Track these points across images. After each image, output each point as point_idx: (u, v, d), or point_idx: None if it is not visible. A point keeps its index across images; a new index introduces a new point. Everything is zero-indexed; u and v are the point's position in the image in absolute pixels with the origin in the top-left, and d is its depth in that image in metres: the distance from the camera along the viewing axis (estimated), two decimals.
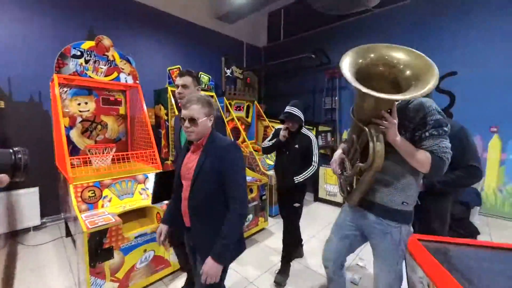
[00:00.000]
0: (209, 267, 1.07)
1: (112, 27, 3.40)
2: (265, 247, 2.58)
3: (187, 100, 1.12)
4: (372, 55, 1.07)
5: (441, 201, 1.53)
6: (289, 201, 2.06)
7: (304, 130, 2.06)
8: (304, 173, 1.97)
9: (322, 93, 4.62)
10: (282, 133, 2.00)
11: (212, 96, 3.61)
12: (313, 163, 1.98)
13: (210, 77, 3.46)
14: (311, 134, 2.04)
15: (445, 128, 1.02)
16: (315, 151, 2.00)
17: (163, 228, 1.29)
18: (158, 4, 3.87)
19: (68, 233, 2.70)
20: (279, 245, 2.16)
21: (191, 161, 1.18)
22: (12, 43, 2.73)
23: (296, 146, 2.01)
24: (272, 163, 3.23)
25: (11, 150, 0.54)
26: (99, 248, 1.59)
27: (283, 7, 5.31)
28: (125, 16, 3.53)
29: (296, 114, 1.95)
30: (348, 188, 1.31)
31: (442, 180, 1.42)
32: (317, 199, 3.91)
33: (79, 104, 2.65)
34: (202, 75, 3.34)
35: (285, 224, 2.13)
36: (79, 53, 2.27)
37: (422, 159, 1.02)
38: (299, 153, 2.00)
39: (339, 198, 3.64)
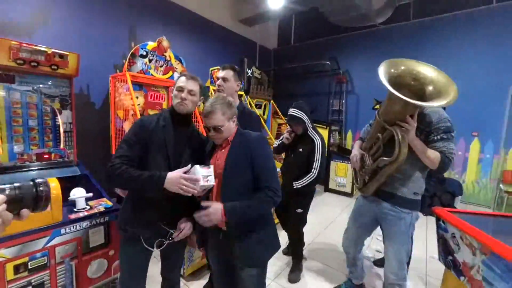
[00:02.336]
0: (214, 211, 1.02)
1: (148, 28, 3.58)
2: None
3: (207, 110, 1.09)
4: (402, 67, 1.27)
5: None
6: (291, 205, 1.97)
7: (312, 132, 1.94)
8: (303, 180, 1.87)
9: (329, 96, 5.14)
10: (285, 135, 1.98)
11: (241, 95, 3.95)
12: (313, 170, 1.86)
13: (244, 77, 3.79)
14: (318, 138, 1.90)
15: (453, 134, 1.26)
16: (318, 156, 1.87)
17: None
18: (187, 4, 4.08)
19: None
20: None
21: (219, 157, 1.15)
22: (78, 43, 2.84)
23: (301, 150, 1.92)
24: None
25: (31, 183, 0.51)
26: None
27: (294, 13, 5.71)
28: (159, 15, 3.72)
29: (297, 115, 1.87)
30: (366, 179, 1.50)
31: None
32: (327, 189, 4.44)
33: (131, 98, 2.87)
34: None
35: (289, 229, 2.11)
36: (144, 53, 2.51)
37: (433, 157, 1.23)
38: (303, 157, 1.90)
39: (348, 189, 4.20)
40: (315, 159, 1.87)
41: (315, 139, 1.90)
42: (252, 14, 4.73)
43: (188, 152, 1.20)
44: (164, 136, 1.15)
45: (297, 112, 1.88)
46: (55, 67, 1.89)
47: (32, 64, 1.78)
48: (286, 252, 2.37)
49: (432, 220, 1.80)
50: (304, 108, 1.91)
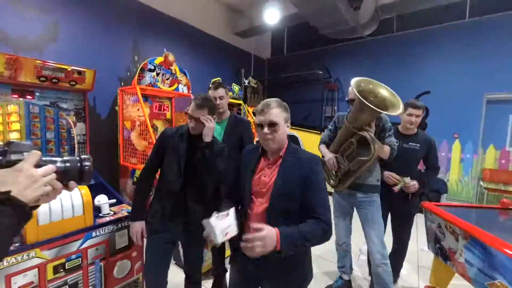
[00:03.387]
0: (271, 236, 0.82)
1: (150, 41, 3.75)
2: None
3: (263, 105, 1.00)
4: (370, 86, 1.65)
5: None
6: None
7: (292, 132, 2.30)
8: None
9: (322, 103, 5.42)
10: None
11: (240, 104, 4.15)
12: None
13: (239, 87, 3.99)
14: (295, 133, 2.26)
15: (392, 130, 1.72)
16: (302, 147, 2.10)
17: None
18: (187, 19, 4.28)
19: None
20: None
21: (267, 174, 1.03)
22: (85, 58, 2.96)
23: None
24: None
25: (78, 158, 0.56)
26: None
27: (287, 25, 6.03)
28: (160, 30, 3.90)
29: None
30: (340, 177, 1.80)
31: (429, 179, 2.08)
32: None
33: (138, 109, 3.01)
34: (234, 86, 3.86)
35: None
36: (152, 67, 2.67)
37: (386, 150, 1.64)
38: None
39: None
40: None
41: (295, 135, 2.20)
42: (247, 27, 4.99)
43: (203, 162, 1.32)
44: (178, 141, 1.37)
45: None
46: (74, 83, 2.03)
47: (53, 80, 1.92)
48: None
49: (421, 217, 2.04)
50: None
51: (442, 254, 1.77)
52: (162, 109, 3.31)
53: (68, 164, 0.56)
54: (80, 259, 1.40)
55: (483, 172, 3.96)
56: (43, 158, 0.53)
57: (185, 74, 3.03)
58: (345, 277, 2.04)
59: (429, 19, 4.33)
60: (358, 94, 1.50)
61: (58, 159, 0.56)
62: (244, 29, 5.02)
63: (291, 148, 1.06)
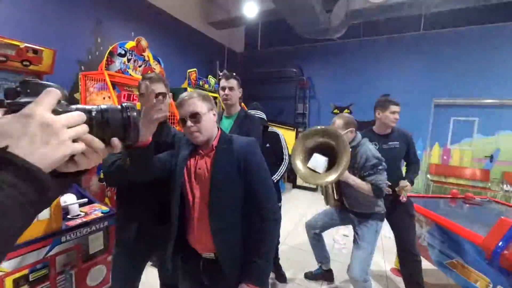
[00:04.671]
0: None
1: (116, 23, 3.37)
2: None
3: (182, 98, 0.93)
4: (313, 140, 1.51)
5: None
6: None
7: (271, 128, 2.10)
8: (279, 171, 1.98)
9: (293, 100, 5.59)
10: None
11: (216, 97, 4.02)
12: (284, 157, 1.99)
13: (216, 80, 3.86)
14: (278, 130, 2.10)
15: (380, 167, 1.51)
16: (284, 144, 2.03)
17: None
18: (157, 2, 3.96)
19: None
20: None
21: (201, 166, 0.95)
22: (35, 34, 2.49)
23: (267, 145, 2.00)
24: None
25: (120, 106, 0.41)
26: None
27: (261, 20, 6.01)
28: (128, 11, 3.53)
29: (256, 115, 1.97)
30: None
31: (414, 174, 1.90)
32: (295, 186, 4.84)
33: (104, 98, 2.69)
34: (210, 78, 3.72)
35: None
36: (123, 52, 2.41)
37: (366, 188, 1.50)
38: (271, 152, 2.00)
39: (313, 185, 4.65)
40: (284, 146, 2.02)
41: (277, 132, 2.08)
42: (221, 18, 4.82)
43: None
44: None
45: (255, 112, 2.00)
46: (27, 63, 1.71)
47: (1, 59, 1.59)
48: None
49: None
50: (260, 107, 2.06)
51: None
52: (131, 99, 3.01)
53: (105, 114, 0.39)
54: (47, 268, 1.22)
55: (430, 166, 4.56)
56: (71, 106, 0.36)
57: (159, 62, 2.81)
58: (324, 267, 2.08)
59: (391, 28, 4.76)
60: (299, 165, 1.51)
61: (93, 108, 0.39)
62: (219, 19, 4.84)
63: (224, 135, 0.99)
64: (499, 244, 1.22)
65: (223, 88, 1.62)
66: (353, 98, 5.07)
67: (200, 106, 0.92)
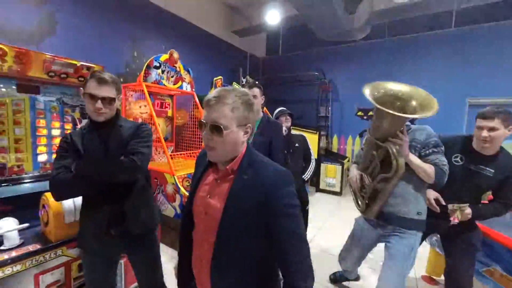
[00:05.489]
0: None
1: (149, 38, 3.68)
2: None
3: (211, 98, 0.71)
4: (382, 90, 1.33)
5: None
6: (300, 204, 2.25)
7: (294, 131, 2.22)
8: (309, 169, 2.09)
9: (316, 103, 5.57)
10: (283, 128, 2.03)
11: None
12: (312, 158, 2.12)
13: (239, 86, 4.02)
14: (302, 133, 2.23)
15: (442, 148, 1.28)
16: (310, 146, 2.19)
17: None
18: (186, 15, 4.23)
19: None
20: None
21: (214, 192, 0.76)
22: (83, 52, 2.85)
23: (297, 144, 2.12)
24: None
25: None
26: None
27: (282, 25, 6.11)
28: (159, 26, 3.83)
29: (289, 111, 2.16)
30: (367, 202, 1.44)
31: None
32: (318, 190, 4.81)
33: (140, 106, 2.96)
34: (234, 84, 3.88)
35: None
36: (158, 65, 2.64)
37: (429, 171, 1.23)
38: (301, 151, 2.13)
39: (337, 188, 4.60)
40: (310, 148, 2.17)
41: (303, 134, 2.22)
42: (243, 26, 5.01)
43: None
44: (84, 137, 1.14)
45: (287, 109, 2.17)
46: (82, 79, 1.97)
47: (62, 76, 1.86)
48: None
49: None
50: (286, 111, 2.17)
51: (439, 246, 1.94)
52: (163, 107, 3.27)
53: None
54: None
55: None
56: None
57: (188, 72, 3.02)
58: (347, 275, 1.95)
59: (418, 26, 4.59)
60: (370, 98, 1.24)
61: None
62: (241, 28, 5.03)
63: (249, 155, 0.75)
64: None
65: None
66: None
67: (229, 119, 0.69)
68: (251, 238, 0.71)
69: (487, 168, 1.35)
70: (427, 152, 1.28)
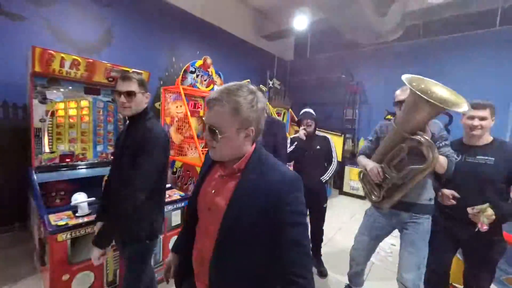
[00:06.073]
0: None
1: (186, 44, 4.06)
2: None
3: (210, 98, 0.70)
4: (422, 86, 1.29)
5: None
6: (317, 202, 2.14)
7: (319, 133, 2.24)
8: (328, 172, 2.10)
9: (343, 106, 5.54)
10: (301, 132, 2.14)
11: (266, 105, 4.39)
12: (333, 160, 2.12)
13: (266, 89, 4.22)
14: (327, 135, 2.25)
15: (449, 140, 1.40)
16: (334, 148, 2.18)
17: (173, 259, 0.92)
18: (219, 23, 4.56)
19: None
20: None
21: (219, 190, 0.75)
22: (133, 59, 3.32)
23: (318, 147, 2.14)
24: None
25: None
26: None
27: (311, 28, 6.19)
28: (195, 33, 4.20)
29: (313, 113, 2.17)
30: (384, 193, 1.45)
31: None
32: (341, 192, 4.80)
33: (177, 107, 3.32)
34: (261, 87, 4.09)
35: (314, 226, 2.22)
36: (193, 70, 2.96)
37: (442, 161, 1.31)
38: (322, 154, 2.16)
39: (361, 192, 4.54)
40: (333, 150, 2.18)
41: (327, 136, 2.23)
42: (273, 31, 5.20)
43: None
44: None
45: (312, 111, 2.20)
46: None
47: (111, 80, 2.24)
48: None
49: None
50: (308, 112, 2.19)
51: (460, 252, 1.91)
52: (196, 107, 3.61)
53: None
54: None
55: None
56: None
57: (219, 75, 3.30)
58: (353, 286, 1.90)
59: (457, 25, 4.34)
60: (414, 89, 1.20)
61: None
62: (270, 32, 5.23)
63: (259, 154, 0.74)
64: None
65: None
66: None
67: (227, 122, 0.67)
68: (253, 240, 0.69)
69: (486, 157, 1.37)
70: (441, 144, 1.36)
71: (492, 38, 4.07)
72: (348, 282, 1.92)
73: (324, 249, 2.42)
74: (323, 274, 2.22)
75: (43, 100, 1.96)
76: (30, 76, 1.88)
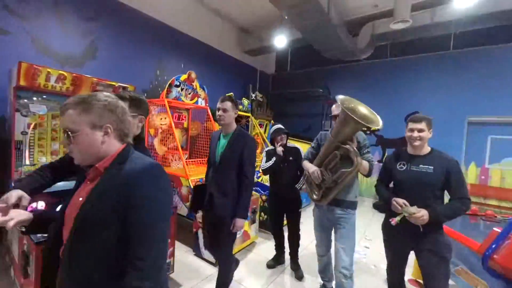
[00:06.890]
0: None
1: (171, 58, 4.19)
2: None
3: (63, 104, 0.72)
4: (351, 105, 1.62)
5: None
6: (295, 209, 2.38)
7: (289, 144, 2.39)
8: (302, 179, 2.25)
9: (321, 117, 5.88)
10: (279, 148, 2.26)
11: (249, 116, 4.56)
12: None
13: (249, 101, 4.42)
14: (297, 145, 2.40)
15: (369, 148, 1.76)
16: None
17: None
18: (202, 37, 4.75)
19: None
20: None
21: (82, 194, 0.74)
22: (117, 72, 3.37)
23: (291, 158, 2.30)
24: None
25: None
26: None
27: (291, 45, 6.58)
28: (180, 47, 4.35)
29: (282, 127, 2.36)
30: (322, 193, 1.76)
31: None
32: None
33: (161, 118, 3.40)
34: (244, 100, 4.29)
35: (291, 229, 2.39)
36: (178, 83, 3.08)
37: (366, 166, 1.66)
38: (295, 164, 2.30)
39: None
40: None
41: (296, 147, 2.37)
42: (255, 47, 5.49)
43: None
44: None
45: (281, 126, 2.37)
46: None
47: None
48: (271, 264, 2.50)
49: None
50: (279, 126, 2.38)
51: None
52: (180, 119, 3.70)
53: None
54: None
55: None
56: None
57: (203, 89, 3.44)
58: (328, 285, 2.10)
59: (419, 47, 4.88)
60: (344, 108, 1.50)
61: None
62: (253, 48, 5.52)
63: (123, 157, 0.74)
64: (490, 248, 1.40)
65: (218, 109, 1.72)
66: (382, 116, 5.13)
67: (75, 122, 0.70)
68: (105, 231, 0.66)
69: (427, 166, 1.51)
70: (364, 151, 1.72)
71: (448, 59, 4.62)
72: (322, 282, 2.13)
73: (300, 254, 2.54)
74: (299, 276, 2.35)
75: (26, 113, 1.98)
76: (14, 89, 1.91)
